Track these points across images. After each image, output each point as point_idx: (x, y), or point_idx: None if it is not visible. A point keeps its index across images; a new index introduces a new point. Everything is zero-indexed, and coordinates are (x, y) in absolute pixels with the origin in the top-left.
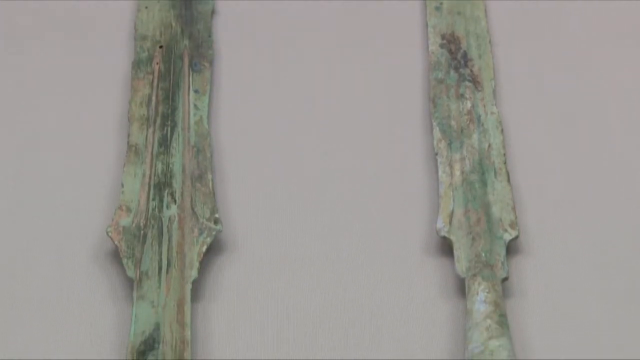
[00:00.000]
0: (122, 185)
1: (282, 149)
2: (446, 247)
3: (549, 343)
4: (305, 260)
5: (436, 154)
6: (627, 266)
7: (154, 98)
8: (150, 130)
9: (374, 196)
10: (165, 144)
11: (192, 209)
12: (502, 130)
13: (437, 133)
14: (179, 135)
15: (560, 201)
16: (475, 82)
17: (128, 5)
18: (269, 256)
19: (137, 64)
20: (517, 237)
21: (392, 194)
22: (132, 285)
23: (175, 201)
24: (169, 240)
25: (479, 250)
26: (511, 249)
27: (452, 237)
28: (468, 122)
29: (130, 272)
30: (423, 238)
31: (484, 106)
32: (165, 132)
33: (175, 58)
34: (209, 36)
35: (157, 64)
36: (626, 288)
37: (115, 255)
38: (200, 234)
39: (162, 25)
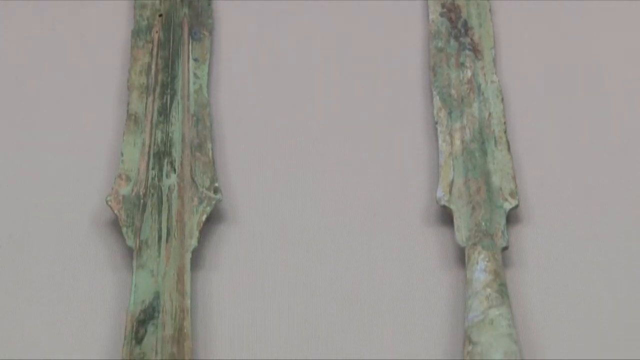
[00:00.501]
0: (122, 154)
1: (282, 118)
2: (446, 217)
3: (549, 312)
4: (305, 229)
5: (436, 123)
6: (627, 235)
7: (153, 67)
8: (150, 99)
9: (374, 166)
10: (164, 112)
11: (192, 178)
12: (502, 99)
13: (437, 102)
14: (178, 104)
15: (561, 170)
16: (476, 50)
17: None
18: (269, 225)
19: (137, 33)
20: (517, 206)
21: (392, 164)
22: (131, 254)
23: (174, 170)
24: (169, 209)
25: (479, 219)
26: (511, 218)
27: (452, 207)
28: (468, 91)
29: (130, 241)
30: (423, 207)
31: (484, 75)
32: (164, 100)
33: (174, 26)
34: (209, 4)
35: (157, 32)
36: (626, 256)
37: (115, 225)
38: (200, 203)
39: None
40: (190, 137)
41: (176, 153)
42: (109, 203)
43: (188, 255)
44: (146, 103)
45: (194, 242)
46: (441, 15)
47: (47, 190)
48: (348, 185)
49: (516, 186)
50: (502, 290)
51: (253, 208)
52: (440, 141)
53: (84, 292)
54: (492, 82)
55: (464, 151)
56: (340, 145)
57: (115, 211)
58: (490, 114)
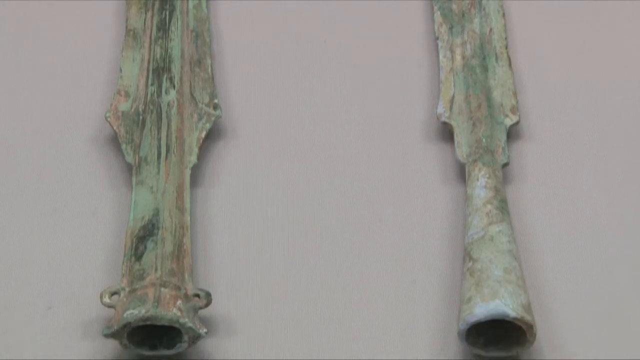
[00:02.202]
0: (121, 70)
1: (282, 34)
2: (446, 133)
3: (549, 228)
4: (304, 145)
5: (437, 39)
6: (628, 150)
7: None
8: (149, 14)
9: (374, 82)
10: (163, 28)
11: (191, 94)
12: (503, 15)
13: (437, 17)
14: (177, 19)
15: (562, 86)
16: None
17: None
18: (268, 141)
19: None
20: (518, 123)
21: (393, 80)
22: (131, 170)
23: (174, 86)
24: (168, 125)
25: (480, 135)
26: (512, 134)
27: (453, 123)
28: (469, 6)
29: (129, 158)
30: (423, 124)
31: None
32: (163, 16)
33: None
34: None
35: None
36: (626, 172)
37: (114, 141)
38: (200, 119)
39: None
40: (189, 52)
41: (175, 69)
42: (108, 119)
43: (187, 172)
44: (145, 18)
45: (193, 159)
46: None
47: (45, 107)
48: (348, 102)
49: (517, 102)
50: (503, 207)
51: (252, 124)
52: (441, 57)
53: (83, 209)
54: None
55: (464, 67)
56: (340, 60)
57: (115, 127)
58: (491, 29)
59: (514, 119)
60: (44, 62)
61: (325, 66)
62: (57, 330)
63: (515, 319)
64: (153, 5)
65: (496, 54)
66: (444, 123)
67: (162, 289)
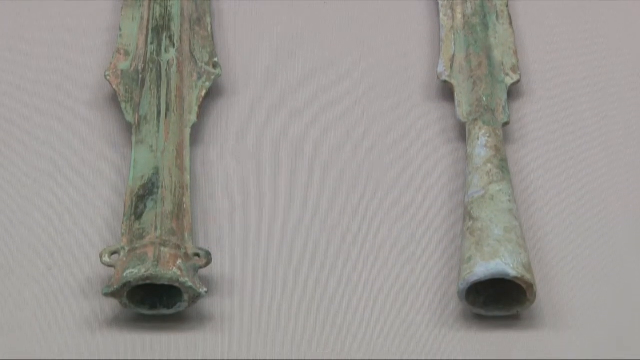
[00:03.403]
0: (120, 29)
1: None
2: (447, 92)
3: (549, 188)
4: (304, 105)
5: None
6: (628, 109)
7: None
8: None
9: (374, 40)
10: None
11: (191, 52)
12: None
13: None
14: None
15: (563, 45)
16: None
17: None
18: (268, 100)
19: None
20: (518, 81)
21: (393, 38)
22: (130, 129)
23: (173, 45)
24: (168, 84)
25: (480, 94)
26: (512, 93)
27: (453, 82)
28: None
29: (129, 117)
30: (424, 82)
31: None
32: None
33: None
34: None
35: None
36: (626, 130)
37: (114, 100)
38: (199, 77)
39: None
40: (189, 11)
41: (175, 27)
42: (108, 78)
43: (187, 131)
44: None
45: (193, 117)
46: None
47: (44, 66)
48: (348, 60)
49: (518, 61)
50: (503, 166)
51: (252, 82)
52: (441, 15)
53: (83, 168)
54: None
55: (465, 25)
56: (341, 19)
57: (114, 86)
58: None
59: (515, 77)
60: (42, 22)
61: (325, 24)
62: (57, 290)
63: (515, 278)
64: None
65: (497, 12)
66: (445, 82)
67: (162, 248)
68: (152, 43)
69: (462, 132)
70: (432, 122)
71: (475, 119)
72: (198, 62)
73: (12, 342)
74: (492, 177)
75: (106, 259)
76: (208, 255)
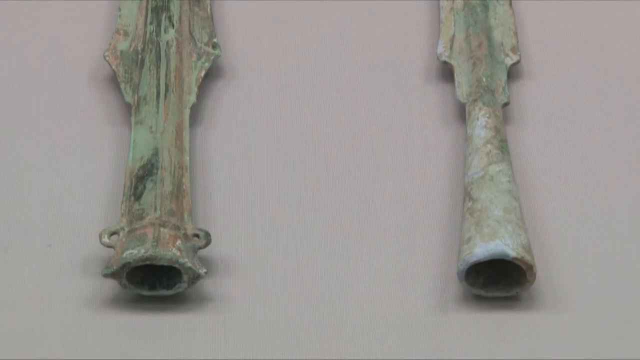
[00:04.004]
0: (120, 9)
1: None
2: (447, 72)
3: (549, 168)
4: (303, 85)
5: None
6: (628, 90)
7: None
8: None
9: (374, 21)
10: None
11: (190, 33)
12: None
13: None
14: None
15: (563, 26)
16: None
17: None
18: (267, 81)
19: None
20: (518, 62)
21: (393, 19)
22: (130, 110)
23: (173, 25)
24: (167, 64)
25: (480, 75)
26: (512, 73)
27: (453, 62)
28: None
29: (128, 97)
30: (423, 63)
31: None
32: None
33: None
34: None
35: None
36: (626, 112)
37: (113, 80)
38: (199, 58)
39: None
40: None
41: (174, 7)
42: (107, 58)
43: (187, 112)
44: None
45: (192, 98)
46: None
47: (44, 46)
48: (348, 41)
49: (517, 41)
50: (503, 147)
51: (252, 63)
52: None
53: (82, 149)
54: None
55: (465, 6)
56: (341, 1)
57: (113, 67)
58: None
59: (515, 58)
60: (42, 2)
61: (325, 7)
62: (57, 269)
63: (515, 259)
64: None
65: None
66: (444, 63)
67: (162, 229)
68: (151, 23)
69: (462, 113)
70: (432, 102)
71: (475, 100)
72: (197, 42)
73: (10, 320)
74: (492, 158)
75: (105, 239)
76: (207, 236)
